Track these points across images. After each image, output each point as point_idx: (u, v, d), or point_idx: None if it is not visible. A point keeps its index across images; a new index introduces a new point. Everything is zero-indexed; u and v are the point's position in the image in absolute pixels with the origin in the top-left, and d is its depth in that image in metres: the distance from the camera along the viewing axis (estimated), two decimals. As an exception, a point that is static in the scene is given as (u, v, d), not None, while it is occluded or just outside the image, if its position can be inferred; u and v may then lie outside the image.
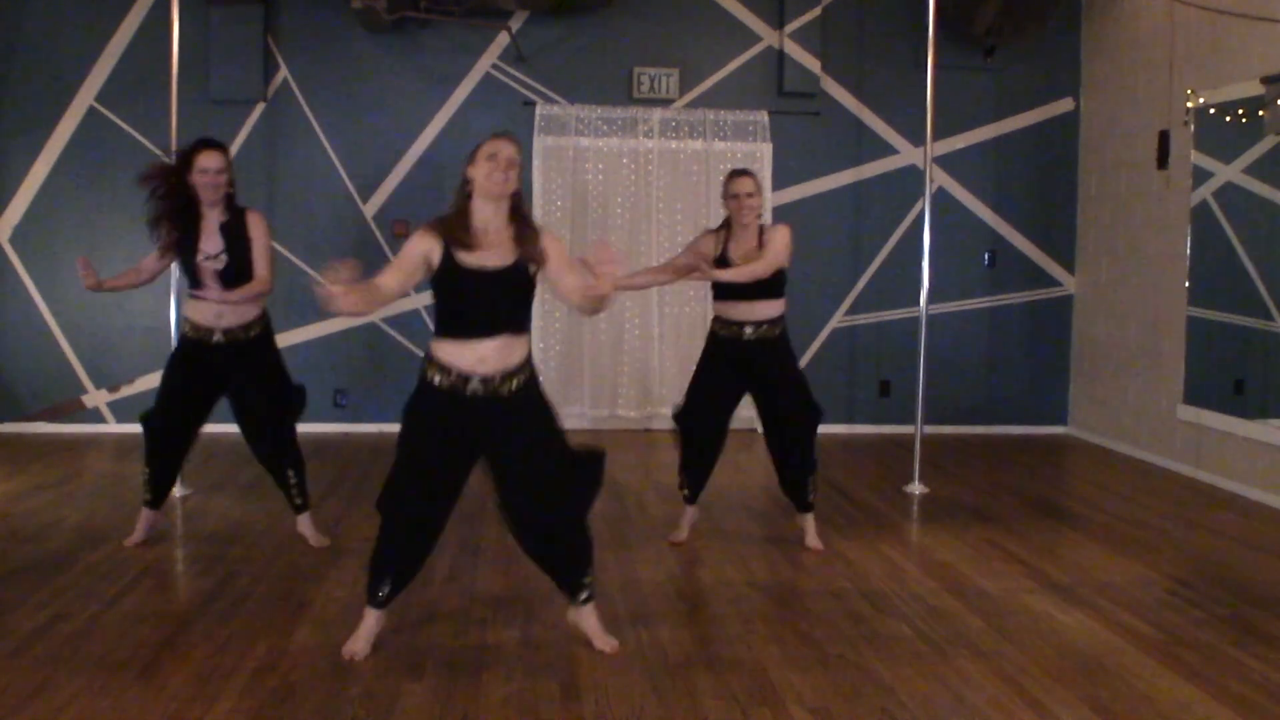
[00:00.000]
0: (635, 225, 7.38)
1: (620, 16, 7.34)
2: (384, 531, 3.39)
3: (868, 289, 7.65)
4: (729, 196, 4.53)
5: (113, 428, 7.20)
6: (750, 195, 4.47)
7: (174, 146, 5.62)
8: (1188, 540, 5.02)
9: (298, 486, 4.59)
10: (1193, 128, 6.29)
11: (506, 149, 3.26)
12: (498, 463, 3.36)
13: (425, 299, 7.31)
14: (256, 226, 4.37)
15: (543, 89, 7.34)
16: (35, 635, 3.51)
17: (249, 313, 4.37)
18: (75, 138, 7.09)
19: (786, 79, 7.41)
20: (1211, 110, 6.17)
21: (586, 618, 3.53)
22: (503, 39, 7.27)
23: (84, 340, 7.17)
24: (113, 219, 7.10)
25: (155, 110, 6.66)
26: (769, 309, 4.51)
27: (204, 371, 4.38)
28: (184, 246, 4.28)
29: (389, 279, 3.22)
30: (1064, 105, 7.72)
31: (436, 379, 3.26)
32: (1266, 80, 5.56)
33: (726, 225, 4.59)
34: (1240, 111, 5.96)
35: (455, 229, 3.25)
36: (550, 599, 3.97)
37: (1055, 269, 7.80)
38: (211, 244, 4.28)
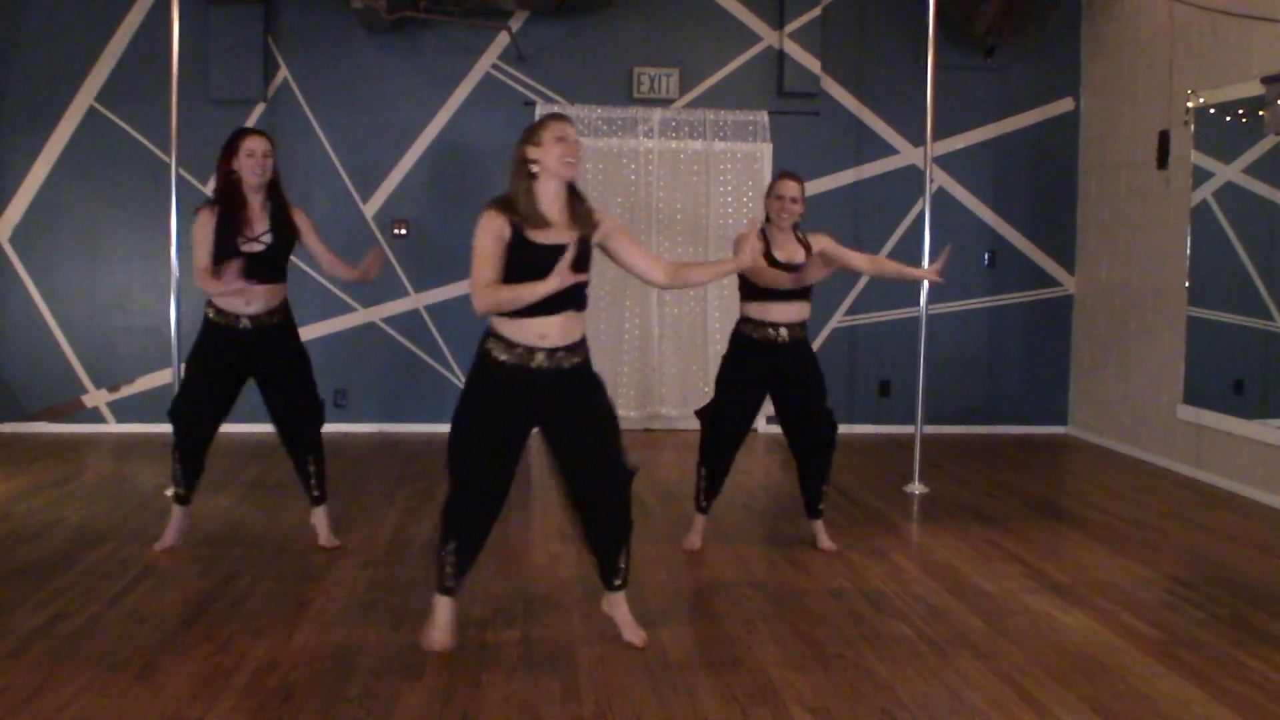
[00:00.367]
0: (635, 225, 7.37)
1: (620, 16, 7.34)
2: (450, 510, 3.44)
3: (868, 289, 7.65)
4: (773, 196, 4.47)
5: (113, 428, 7.20)
6: (794, 200, 4.43)
7: (174, 146, 5.63)
8: (1188, 540, 5.02)
9: (316, 477, 4.57)
10: (1193, 128, 6.29)
11: (572, 131, 3.34)
12: (559, 434, 3.44)
13: (425, 299, 7.32)
14: (304, 219, 4.42)
15: (543, 89, 7.34)
16: (35, 635, 3.51)
17: (274, 299, 4.37)
18: (75, 138, 7.08)
19: (786, 79, 7.42)
20: (1211, 110, 6.17)
21: (618, 606, 3.58)
22: (503, 39, 7.28)
23: (84, 340, 7.16)
24: (113, 219, 7.11)
25: (155, 110, 6.67)
26: (805, 310, 4.50)
27: (231, 359, 4.37)
28: (225, 229, 4.24)
29: (496, 273, 3.27)
30: (1064, 105, 7.72)
31: (502, 356, 3.32)
32: (1266, 80, 5.56)
33: (764, 227, 4.50)
34: (1240, 111, 5.96)
35: (523, 209, 3.30)
36: (550, 599, 3.98)
37: (1055, 269, 7.80)
38: (257, 224, 4.28)
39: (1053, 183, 7.76)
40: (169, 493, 5.34)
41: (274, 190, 4.35)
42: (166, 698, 3.07)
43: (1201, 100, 6.21)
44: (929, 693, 3.22)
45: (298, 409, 4.49)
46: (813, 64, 7.42)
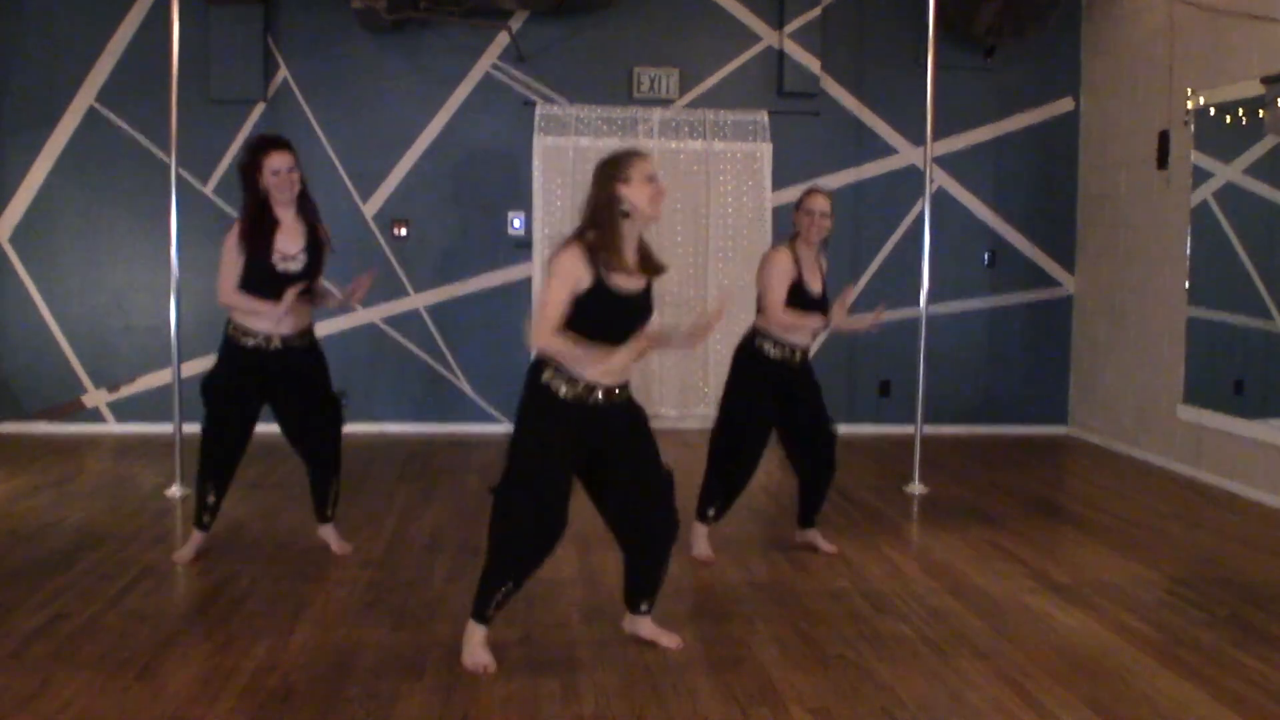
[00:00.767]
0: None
1: (620, 16, 7.34)
2: (513, 550, 3.35)
3: (868, 289, 7.64)
4: (803, 211, 4.38)
5: (113, 428, 7.19)
6: (825, 215, 4.35)
7: (174, 146, 5.62)
8: (1188, 540, 5.02)
9: (334, 496, 4.52)
10: (1193, 128, 6.29)
11: (658, 171, 3.25)
12: (614, 465, 3.39)
13: (425, 299, 7.32)
14: (325, 234, 4.31)
15: (543, 89, 7.34)
16: (35, 635, 3.51)
17: (304, 320, 4.25)
18: (75, 138, 7.08)
19: (786, 79, 7.41)
20: (1211, 110, 6.17)
21: (644, 624, 3.58)
22: (503, 39, 7.27)
23: (84, 340, 7.16)
24: (113, 219, 7.10)
25: (155, 110, 6.66)
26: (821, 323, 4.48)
27: (260, 381, 4.25)
28: (257, 248, 4.09)
29: (564, 316, 3.17)
30: (1064, 105, 7.72)
31: (563, 390, 3.25)
32: (1266, 80, 5.56)
33: (791, 244, 4.40)
34: (1240, 111, 5.96)
35: (609, 252, 3.20)
36: (550, 599, 3.98)
37: (1055, 269, 7.80)
38: (291, 243, 4.14)
39: (1052, 183, 7.75)
40: (169, 492, 5.34)
41: (304, 202, 4.21)
42: (166, 698, 3.07)
43: (1201, 100, 6.21)
44: (929, 693, 3.22)
45: (320, 431, 4.42)
46: (812, 64, 7.42)
